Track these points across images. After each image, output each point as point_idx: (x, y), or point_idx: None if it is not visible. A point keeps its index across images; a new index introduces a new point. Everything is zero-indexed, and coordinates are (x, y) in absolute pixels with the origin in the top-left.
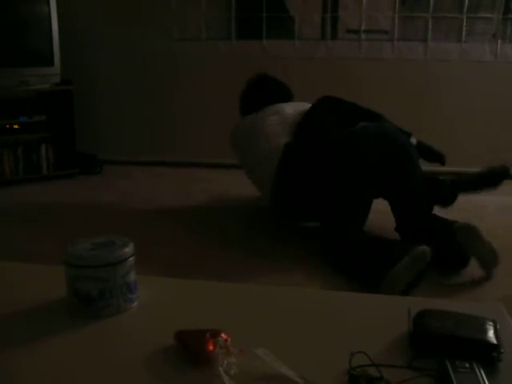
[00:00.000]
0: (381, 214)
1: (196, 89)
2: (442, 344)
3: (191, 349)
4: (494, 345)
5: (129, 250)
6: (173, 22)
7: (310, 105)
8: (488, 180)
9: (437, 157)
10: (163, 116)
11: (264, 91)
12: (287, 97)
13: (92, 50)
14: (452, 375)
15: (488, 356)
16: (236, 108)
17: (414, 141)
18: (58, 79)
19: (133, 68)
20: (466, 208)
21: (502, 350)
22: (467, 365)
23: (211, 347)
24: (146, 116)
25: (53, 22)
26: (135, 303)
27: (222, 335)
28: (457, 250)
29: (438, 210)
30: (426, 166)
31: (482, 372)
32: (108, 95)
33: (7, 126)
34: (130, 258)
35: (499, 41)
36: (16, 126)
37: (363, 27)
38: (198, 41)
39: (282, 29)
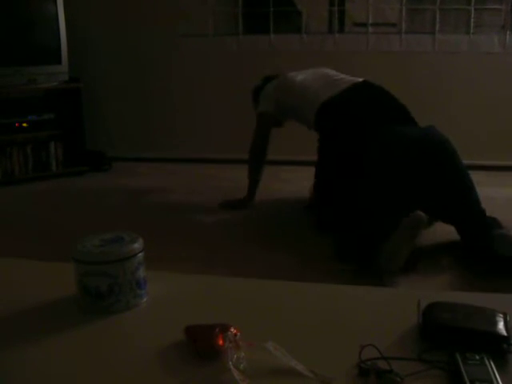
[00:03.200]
0: None
1: (204, 84)
2: (452, 336)
3: (201, 343)
4: (504, 337)
5: (138, 245)
6: (179, 17)
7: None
8: None
9: None
10: (172, 112)
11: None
12: None
13: (99, 47)
14: (462, 367)
15: (498, 348)
16: (245, 102)
17: None
18: (66, 77)
19: (140, 64)
20: None
21: None
22: (477, 357)
23: (220, 342)
24: (155, 112)
25: (60, 20)
26: (145, 299)
27: (232, 330)
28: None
29: None
30: None
31: (492, 364)
32: (116, 92)
33: (16, 125)
34: (139, 254)
35: (508, 32)
36: (25, 125)
37: (370, 20)
38: (205, 36)
39: (289, 23)
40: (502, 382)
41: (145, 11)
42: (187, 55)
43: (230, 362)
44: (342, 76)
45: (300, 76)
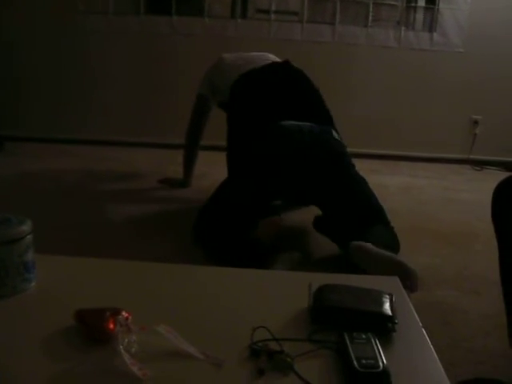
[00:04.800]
0: None
1: (104, 63)
2: (340, 317)
3: (91, 328)
4: (389, 316)
5: (26, 227)
6: None
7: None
8: None
9: None
10: (70, 91)
11: None
12: None
13: None
14: (349, 346)
15: (384, 327)
16: (145, 84)
17: None
18: None
19: (38, 39)
20: None
21: (397, 321)
22: (364, 336)
23: (111, 325)
24: (53, 91)
25: None
26: (33, 283)
27: (123, 313)
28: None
29: None
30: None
31: (377, 342)
32: (12, 68)
33: None
34: (28, 236)
35: (403, 28)
36: None
37: (273, 8)
38: (105, 14)
39: (191, 6)
40: (385, 357)
41: None
42: (86, 32)
43: (121, 346)
44: (268, 57)
45: (232, 56)
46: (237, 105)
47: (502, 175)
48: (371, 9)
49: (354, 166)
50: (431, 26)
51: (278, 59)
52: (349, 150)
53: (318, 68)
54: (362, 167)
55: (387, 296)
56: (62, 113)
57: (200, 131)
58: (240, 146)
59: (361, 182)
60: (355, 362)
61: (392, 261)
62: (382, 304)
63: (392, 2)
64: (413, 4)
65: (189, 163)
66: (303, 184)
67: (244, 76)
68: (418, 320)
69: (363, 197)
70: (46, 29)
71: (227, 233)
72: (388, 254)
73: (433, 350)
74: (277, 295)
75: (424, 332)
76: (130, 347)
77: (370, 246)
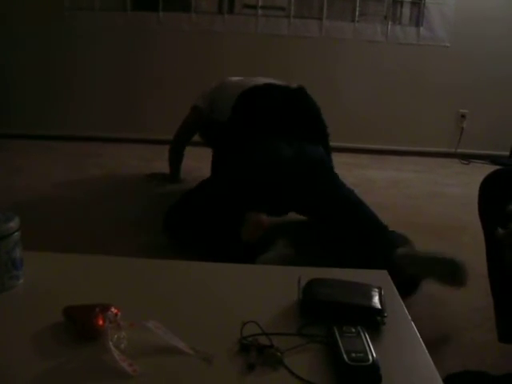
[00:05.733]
0: None
1: (90, 60)
2: (330, 311)
3: (80, 324)
4: (378, 310)
5: (13, 224)
6: None
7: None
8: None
9: None
10: (56, 88)
11: None
12: None
13: None
14: (339, 340)
15: (373, 320)
16: (132, 79)
17: None
18: None
19: (24, 36)
20: (356, 183)
21: (386, 315)
22: (353, 329)
23: (101, 322)
24: (40, 87)
25: None
26: (21, 280)
27: (112, 309)
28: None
29: None
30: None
31: (367, 335)
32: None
33: None
34: (15, 233)
35: (390, 22)
36: None
37: (260, 3)
38: (92, 10)
39: (178, 1)
40: (374, 351)
41: None
42: (73, 29)
43: (111, 342)
44: (271, 81)
45: (236, 78)
46: (237, 117)
47: (489, 169)
48: (358, 3)
49: (338, 176)
50: (418, 20)
51: (280, 82)
52: (336, 144)
53: (305, 63)
54: (349, 162)
55: (376, 290)
56: (49, 109)
57: (187, 140)
58: (229, 155)
59: (350, 195)
60: (345, 356)
61: (443, 259)
62: (371, 298)
63: None
64: None
65: (175, 164)
66: (286, 192)
67: (247, 91)
68: (407, 313)
69: (363, 216)
70: (32, 26)
71: (208, 230)
72: (434, 252)
73: (422, 343)
74: (266, 289)
75: (413, 325)
76: (120, 343)
77: (416, 250)
